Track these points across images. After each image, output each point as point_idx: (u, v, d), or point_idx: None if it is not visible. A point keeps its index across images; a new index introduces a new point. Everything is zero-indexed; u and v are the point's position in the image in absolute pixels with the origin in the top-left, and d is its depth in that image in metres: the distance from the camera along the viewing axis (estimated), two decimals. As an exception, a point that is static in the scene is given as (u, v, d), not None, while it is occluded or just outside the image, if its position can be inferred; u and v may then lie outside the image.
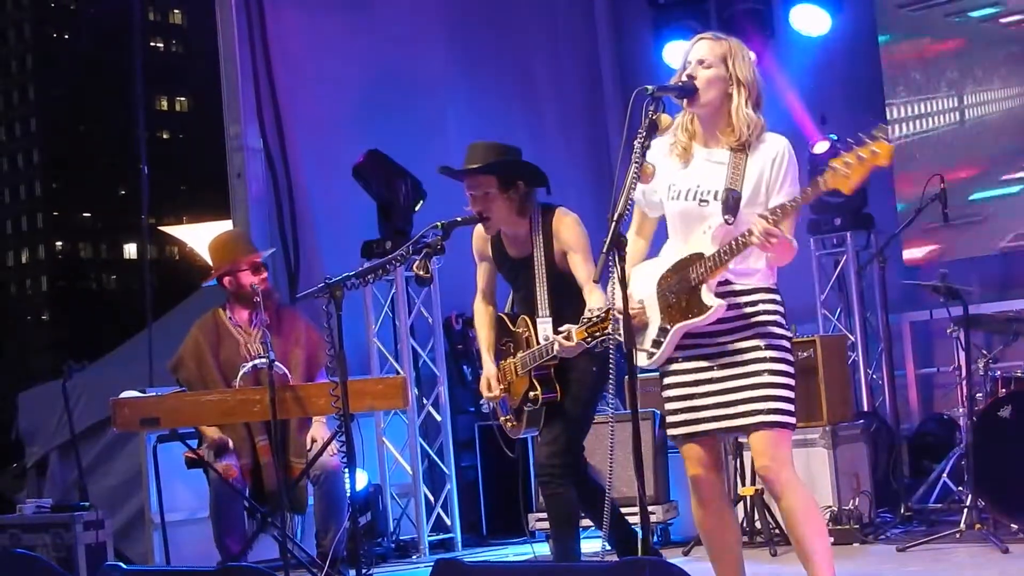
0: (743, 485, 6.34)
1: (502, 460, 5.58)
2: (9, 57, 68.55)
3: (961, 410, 6.45)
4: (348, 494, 4.97)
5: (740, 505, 6.40)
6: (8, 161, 68.81)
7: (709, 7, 8.99)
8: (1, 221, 68.89)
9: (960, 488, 6.39)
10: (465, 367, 8.14)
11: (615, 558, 4.85)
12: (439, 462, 7.80)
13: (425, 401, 7.83)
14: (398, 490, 7.71)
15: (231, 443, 5.74)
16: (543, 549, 6.20)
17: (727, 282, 3.93)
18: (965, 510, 5.89)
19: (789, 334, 4.05)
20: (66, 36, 67.78)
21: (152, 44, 65.26)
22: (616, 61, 9.86)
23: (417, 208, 7.66)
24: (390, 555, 7.37)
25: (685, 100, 3.94)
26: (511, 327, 4.99)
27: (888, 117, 8.40)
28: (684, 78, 3.94)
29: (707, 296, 3.88)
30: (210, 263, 6.13)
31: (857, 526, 6.23)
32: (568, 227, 4.87)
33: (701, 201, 3.93)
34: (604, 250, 3.67)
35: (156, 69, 59.56)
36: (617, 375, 4.08)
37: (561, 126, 9.44)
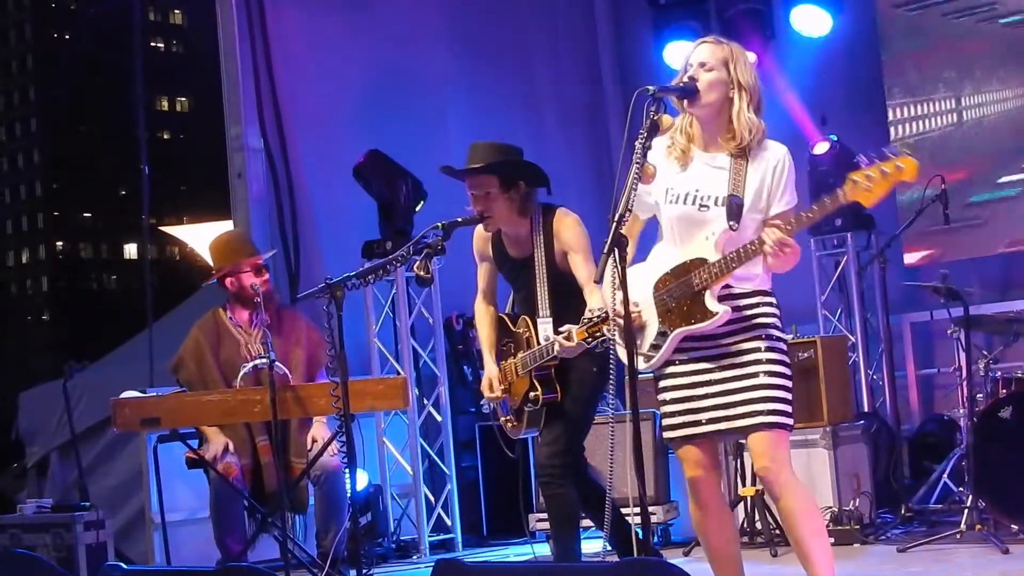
0: (743, 486, 6.34)
1: (503, 460, 5.58)
2: (10, 57, 68.59)
3: (962, 411, 6.45)
4: (348, 494, 4.97)
5: (740, 506, 6.41)
6: (8, 161, 68.84)
7: (709, 8, 8.98)
8: (1, 221, 68.92)
9: (961, 489, 6.39)
10: (466, 367, 8.14)
11: (616, 559, 4.85)
12: (439, 462, 7.80)
13: (426, 401, 7.83)
14: (398, 490, 7.71)
15: (231, 445, 5.74)
16: (543, 549, 6.20)
17: (727, 286, 3.93)
18: (966, 511, 5.89)
19: (786, 337, 4.05)
20: (67, 36, 67.81)
21: (152, 44, 65.29)
22: (616, 61, 9.86)
23: (418, 208, 7.66)
24: (390, 555, 7.37)
25: (685, 101, 3.94)
26: (512, 327, 4.99)
27: (889, 118, 8.39)
28: (685, 80, 3.94)
29: (711, 302, 3.88)
30: (211, 263, 6.13)
31: (858, 527, 6.23)
32: (569, 227, 4.87)
33: (701, 206, 3.93)
34: (605, 251, 3.67)
35: (157, 69, 59.60)
36: (617, 375, 4.08)
37: (562, 126, 9.44)
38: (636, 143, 3.79)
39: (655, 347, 3.97)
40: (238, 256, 5.93)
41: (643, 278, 3.98)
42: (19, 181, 68.52)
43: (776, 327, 3.99)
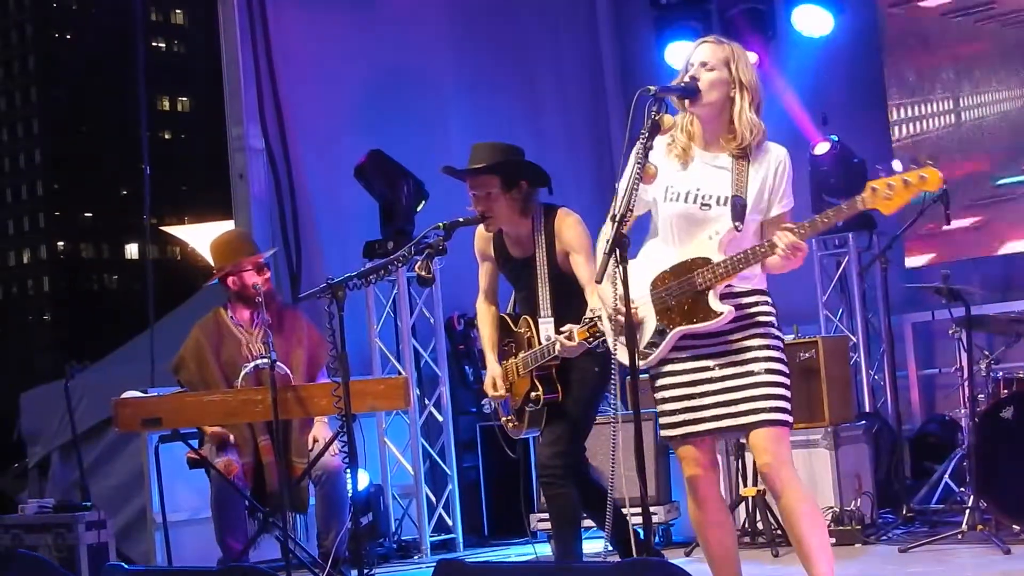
0: (745, 486, 6.34)
1: (504, 460, 5.58)
2: (11, 57, 68.63)
3: (963, 411, 6.45)
4: (349, 494, 4.97)
5: (742, 506, 6.40)
6: (10, 161, 68.89)
7: (711, 8, 8.98)
8: (3, 221, 68.96)
9: (962, 489, 6.39)
10: (467, 367, 8.14)
11: (617, 559, 4.86)
12: (441, 462, 7.80)
13: (427, 401, 7.83)
14: (400, 490, 7.71)
15: (232, 438, 5.75)
16: (545, 549, 6.20)
17: (728, 284, 3.93)
18: (967, 511, 5.89)
19: (783, 336, 4.06)
20: (68, 36, 67.85)
21: (154, 44, 65.33)
22: (618, 61, 9.86)
23: (419, 208, 7.66)
24: (392, 555, 7.37)
25: (687, 101, 3.94)
26: (513, 327, 5.00)
27: (890, 118, 8.39)
28: (687, 80, 3.95)
29: (715, 302, 3.88)
30: (212, 263, 6.12)
31: (859, 527, 6.23)
32: (570, 227, 4.87)
33: (703, 205, 3.93)
34: (606, 251, 3.67)
35: (158, 69, 59.71)
36: (618, 376, 4.08)
37: (563, 126, 9.44)
38: (638, 143, 3.80)
39: (652, 345, 3.97)
40: (239, 255, 5.93)
41: (639, 275, 3.96)
42: (20, 181, 68.57)
43: (775, 325, 4.00)
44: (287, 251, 7.91)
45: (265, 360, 5.44)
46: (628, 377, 3.77)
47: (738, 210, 3.89)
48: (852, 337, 8.09)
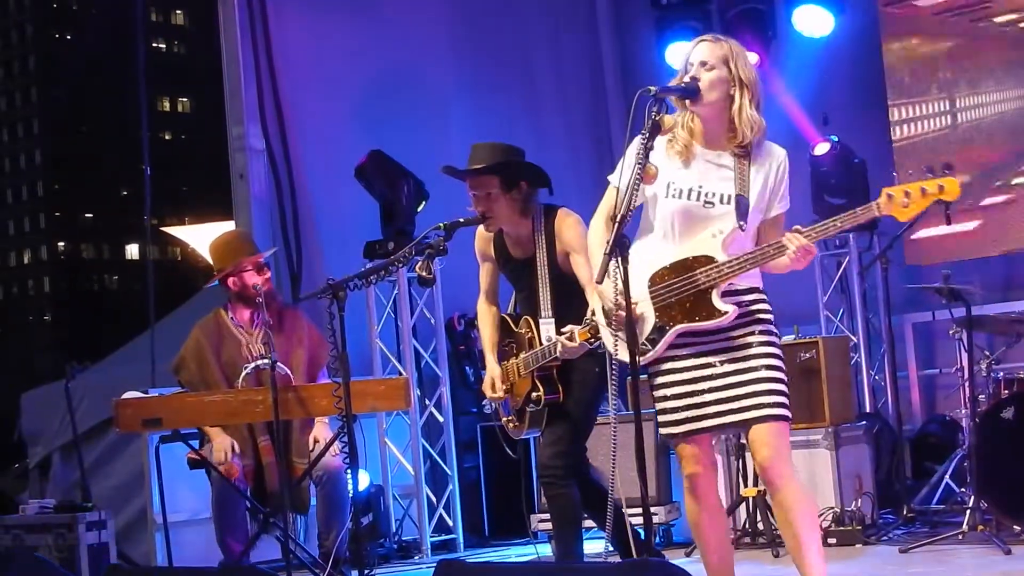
0: (745, 486, 6.34)
1: (504, 461, 5.58)
2: (11, 57, 68.64)
3: (964, 411, 6.45)
4: (350, 495, 4.97)
5: (742, 506, 6.40)
6: (10, 161, 68.90)
7: (711, 8, 8.98)
8: (3, 222, 68.98)
9: (963, 489, 6.39)
10: (467, 368, 8.14)
11: (618, 559, 4.85)
12: (441, 463, 7.80)
13: (427, 402, 7.83)
14: (400, 491, 7.71)
15: (236, 445, 5.74)
16: (545, 550, 6.20)
17: (730, 282, 3.94)
18: (968, 511, 5.89)
19: (778, 334, 4.07)
20: (68, 37, 67.86)
21: (154, 45, 65.34)
22: (618, 61, 9.86)
23: (420, 209, 7.67)
24: (392, 556, 7.37)
25: (688, 101, 3.94)
26: (513, 328, 5.00)
27: (891, 118, 8.39)
28: (687, 80, 3.95)
29: (718, 301, 3.88)
30: (212, 264, 6.12)
31: (860, 527, 6.23)
32: (570, 228, 4.87)
33: (706, 203, 3.93)
34: (606, 251, 3.67)
35: (158, 69, 59.68)
36: (619, 376, 4.08)
37: (563, 126, 9.44)
38: (638, 143, 3.80)
39: (651, 342, 3.96)
40: (239, 255, 5.93)
41: (635, 272, 3.93)
42: (21, 181, 68.59)
43: (772, 322, 4.01)
44: (287, 251, 7.91)
45: (266, 360, 5.44)
46: (628, 376, 3.77)
47: (743, 209, 3.89)
48: (853, 337, 8.09)
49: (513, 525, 7.18)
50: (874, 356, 8.21)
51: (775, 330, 4.01)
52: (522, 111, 9.01)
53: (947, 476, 6.73)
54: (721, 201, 3.92)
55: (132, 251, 67.79)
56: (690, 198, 3.94)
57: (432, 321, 7.83)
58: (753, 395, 3.90)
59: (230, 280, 5.93)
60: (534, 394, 4.82)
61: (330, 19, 8.28)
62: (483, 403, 5.25)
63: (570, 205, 5.00)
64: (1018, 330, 6.42)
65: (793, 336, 6.59)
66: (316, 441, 5.78)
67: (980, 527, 5.79)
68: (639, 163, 3.74)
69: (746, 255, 3.88)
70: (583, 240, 4.82)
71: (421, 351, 7.79)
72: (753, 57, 8.00)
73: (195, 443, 5.80)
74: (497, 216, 4.89)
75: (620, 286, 3.70)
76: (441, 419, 7.80)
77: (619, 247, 3.65)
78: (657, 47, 8.96)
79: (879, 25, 8.51)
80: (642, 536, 4.26)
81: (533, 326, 4.86)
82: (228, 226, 8.56)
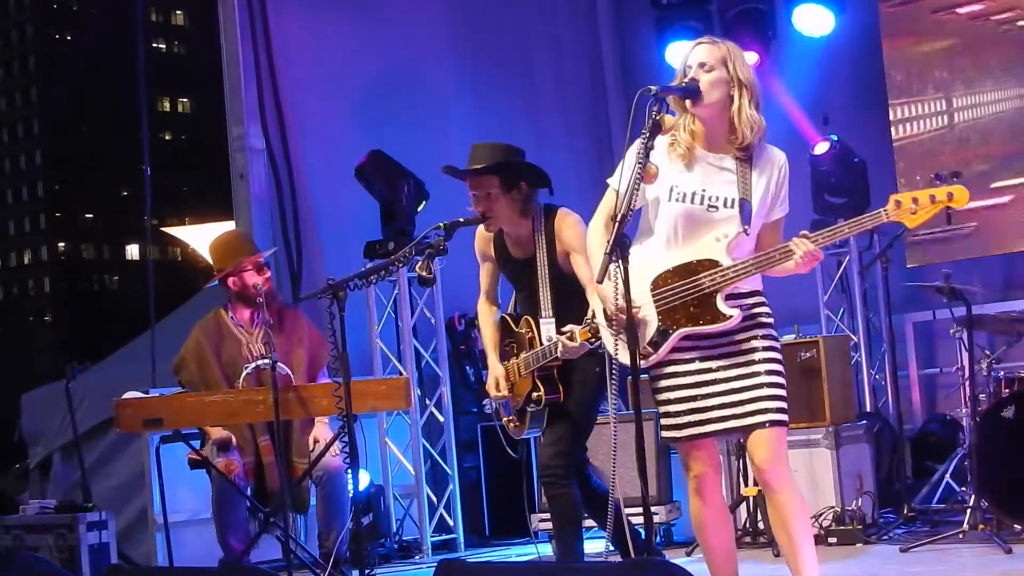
0: (745, 486, 6.34)
1: (505, 461, 5.58)
2: (11, 58, 68.64)
3: (964, 411, 6.45)
4: (350, 495, 4.97)
5: (742, 506, 6.40)
6: (11, 162, 68.89)
7: (711, 8, 8.98)
8: (3, 222, 68.98)
9: (963, 489, 6.39)
10: (468, 368, 8.14)
11: (618, 559, 4.85)
12: (442, 463, 7.80)
13: (428, 402, 7.83)
14: (401, 491, 7.71)
15: (234, 440, 5.75)
16: (546, 549, 6.20)
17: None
18: (968, 511, 5.89)
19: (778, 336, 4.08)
20: (68, 37, 67.86)
21: (154, 45, 65.33)
22: (619, 61, 9.87)
23: (420, 209, 7.66)
24: (393, 556, 7.37)
25: (689, 102, 3.94)
26: (514, 328, 4.99)
27: (891, 117, 8.39)
28: (686, 82, 3.95)
29: (723, 305, 3.88)
30: (212, 264, 6.12)
31: (860, 526, 6.23)
32: (570, 228, 4.87)
33: (710, 207, 3.93)
34: (607, 251, 3.67)
35: (158, 70, 59.68)
36: (620, 376, 4.08)
37: (564, 126, 9.45)
38: (638, 143, 3.80)
39: (653, 345, 3.96)
40: (239, 255, 5.93)
41: (637, 275, 3.93)
42: (21, 182, 68.59)
43: (772, 325, 4.02)
44: (288, 251, 7.91)
45: (266, 360, 5.44)
46: (629, 377, 3.77)
47: (747, 214, 3.90)
48: (853, 337, 8.09)
49: (514, 525, 7.18)
50: (874, 355, 8.21)
51: (775, 333, 4.02)
52: (522, 111, 9.01)
53: (947, 475, 6.73)
54: (725, 205, 3.92)
55: (132, 251, 67.79)
56: (693, 201, 3.94)
57: (432, 321, 7.83)
58: (755, 400, 3.90)
59: (230, 280, 5.93)
60: (535, 394, 4.82)
61: (330, 19, 8.28)
62: (484, 403, 5.25)
63: (570, 205, 5.00)
64: (1018, 329, 6.42)
65: (793, 335, 6.59)
66: (316, 441, 5.79)
67: (981, 526, 5.80)
68: (639, 163, 3.74)
69: (752, 259, 3.88)
70: (583, 240, 4.81)
71: (421, 351, 7.79)
72: (753, 57, 8.04)
73: (196, 443, 5.80)
74: (497, 216, 4.89)
75: (620, 287, 3.69)
76: (441, 419, 7.80)
77: (619, 247, 3.64)
78: (657, 47, 8.96)
79: (879, 24, 8.51)
80: (643, 536, 4.26)
81: (533, 326, 4.86)
82: (228, 226, 8.56)
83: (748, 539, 6.31)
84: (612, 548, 5.03)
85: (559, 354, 4.64)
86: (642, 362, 3.96)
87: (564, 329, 4.58)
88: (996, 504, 5.86)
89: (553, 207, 4.95)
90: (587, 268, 4.73)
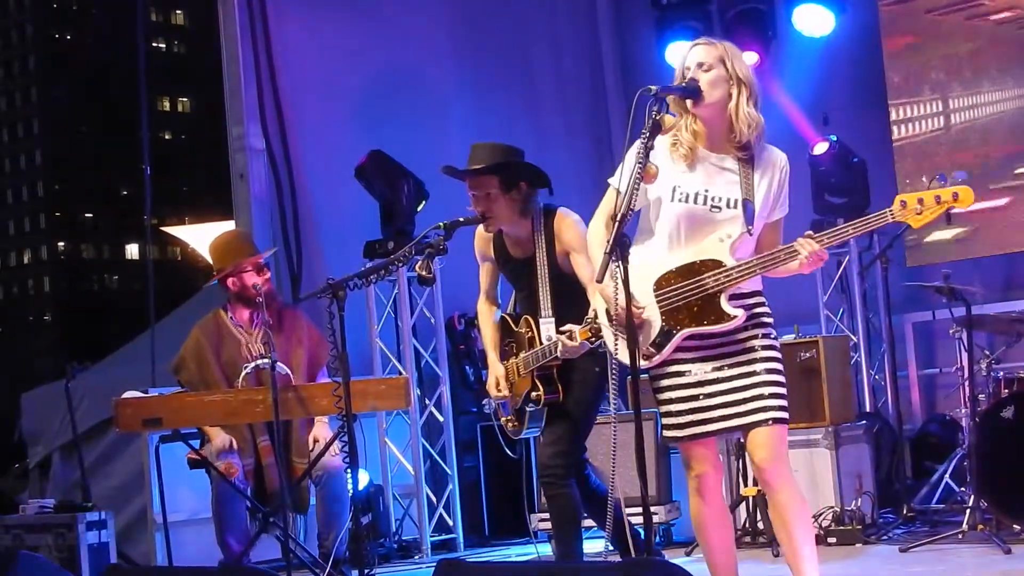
0: (745, 486, 6.34)
1: (504, 460, 5.58)
2: (11, 57, 68.63)
3: (964, 411, 6.45)
4: (350, 494, 4.97)
5: (742, 506, 6.40)
6: (10, 162, 68.89)
7: (711, 8, 8.98)
8: (3, 222, 68.98)
9: (962, 489, 6.39)
10: (467, 367, 8.14)
11: (617, 558, 4.85)
12: (441, 462, 7.80)
13: (427, 401, 7.83)
14: (400, 490, 7.71)
15: (234, 443, 5.74)
16: (546, 549, 6.20)
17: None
18: (967, 511, 5.89)
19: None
20: (68, 37, 67.85)
21: (154, 45, 65.32)
22: (618, 61, 9.87)
23: (420, 208, 7.66)
24: (392, 555, 7.37)
25: (690, 102, 3.94)
26: (514, 327, 5.00)
27: (891, 117, 8.38)
28: (686, 82, 3.95)
29: (727, 305, 3.88)
30: (212, 264, 6.12)
31: (860, 527, 6.23)
32: (570, 228, 4.87)
33: (713, 207, 3.93)
34: (606, 251, 3.67)
35: (158, 69, 59.69)
36: (620, 376, 4.08)
37: (564, 127, 9.44)
38: (638, 143, 3.80)
39: (656, 345, 3.97)
40: (239, 256, 5.93)
41: (640, 275, 3.94)
42: (21, 182, 68.58)
43: (773, 326, 4.03)
44: (287, 251, 7.91)
45: (266, 360, 5.44)
46: (628, 376, 3.77)
47: (750, 214, 3.90)
48: (853, 337, 8.10)
49: (513, 525, 7.18)
50: (874, 356, 8.22)
51: (775, 334, 4.03)
52: (522, 111, 9.01)
53: (947, 475, 6.73)
54: (728, 205, 3.92)
55: (132, 251, 67.78)
56: (696, 202, 3.94)
57: (432, 321, 7.83)
58: (756, 399, 3.91)
59: (230, 280, 5.93)
60: (534, 394, 4.82)
61: (330, 19, 8.28)
62: (484, 402, 5.25)
63: (570, 205, 5.00)
64: (1018, 329, 6.42)
65: (793, 336, 6.59)
66: (316, 441, 5.79)
67: (980, 526, 5.80)
68: (639, 162, 3.74)
69: (757, 259, 3.89)
70: (583, 240, 4.81)
71: (421, 351, 7.79)
72: (752, 57, 8.04)
73: (195, 443, 5.80)
74: (496, 216, 4.89)
75: (620, 287, 3.69)
76: (441, 419, 7.80)
77: (619, 246, 3.64)
78: (657, 47, 8.96)
79: (879, 24, 8.51)
80: (642, 536, 4.26)
81: (533, 326, 4.86)
82: (228, 226, 8.56)
83: (748, 539, 6.31)
84: (611, 548, 5.04)
85: (559, 354, 4.64)
86: (645, 362, 3.97)
87: (563, 328, 4.58)
88: (995, 504, 5.86)
89: (553, 207, 4.95)
90: (587, 267, 4.73)
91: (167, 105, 68.22)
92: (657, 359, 3.96)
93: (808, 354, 6.48)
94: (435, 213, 6.07)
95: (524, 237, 4.95)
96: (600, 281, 3.78)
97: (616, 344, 4.01)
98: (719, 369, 3.94)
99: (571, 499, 4.83)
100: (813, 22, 8.60)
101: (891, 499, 6.81)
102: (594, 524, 5.16)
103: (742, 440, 4.14)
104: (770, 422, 3.89)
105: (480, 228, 5.01)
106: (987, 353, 6.42)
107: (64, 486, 7.87)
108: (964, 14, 8.15)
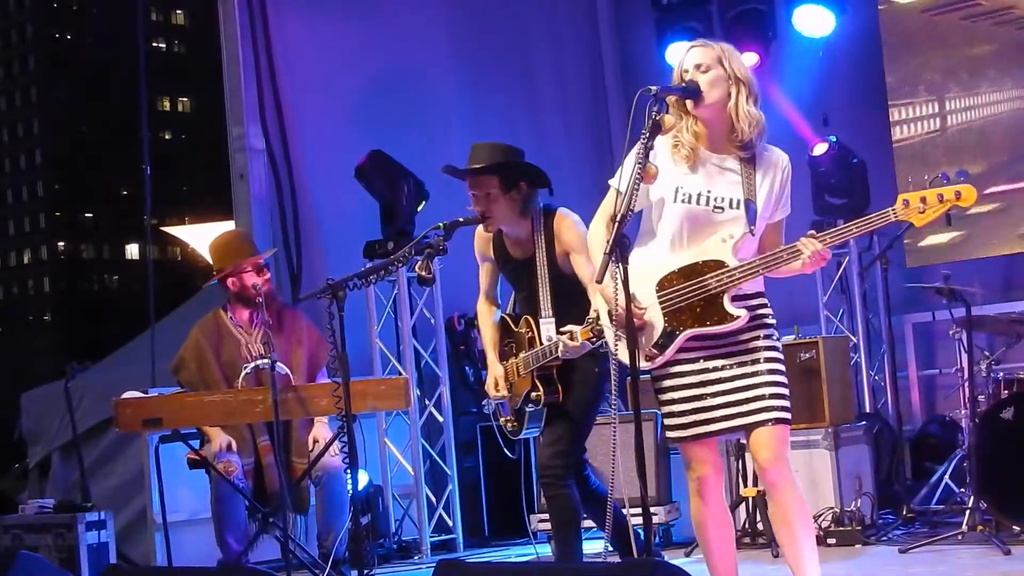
0: (745, 486, 6.34)
1: (504, 461, 5.58)
2: (11, 57, 68.63)
3: (963, 412, 6.45)
4: (350, 495, 4.97)
5: (742, 506, 6.40)
6: (11, 162, 68.89)
7: (711, 9, 8.97)
8: (3, 222, 68.98)
9: (962, 490, 6.39)
10: (467, 368, 8.14)
11: (617, 559, 4.85)
12: (441, 463, 7.80)
13: (427, 402, 7.83)
14: (400, 491, 7.71)
15: (234, 444, 5.74)
16: (545, 550, 6.20)
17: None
18: (967, 512, 5.89)
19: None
20: (68, 37, 67.86)
21: (155, 44, 65.33)
22: (619, 62, 9.87)
23: (420, 209, 7.66)
24: (392, 556, 7.37)
25: (690, 103, 3.94)
26: (513, 328, 4.99)
27: (891, 118, 8.38)
28: (686, 82, 3.95)
29: (729, 305, 3.88)
30: (211, 264, 6.12)
31: (859, 527, 6.23)
32: (569, 228, 4.87)
33: (716, 208, 3.93)
34: (606, 251, 3.67)
35: (158, 69, 59.69)
36: (619, 376, 4.08)
37: (564, 127, 9.44)
38: (638, 143, 3.80)
39: (659, 347, 3.97)
40: (239, 256, 5.93)
41: (642, 276, 3.94)
42: (21, 182, 68.58)
43: (775, 326, 4.03)
44: (287, 251, 7.91)
45: (265, 360, 5.44)
46: (628, 376, 3.77)
47: (752, 215, 3.90)
48: (853, 337, 8.10)
49: (513, 525, 7.17)
50: (874, 356, 8.22)
51: (778, 334, 4.03)
52: (522, 111, 9.01)
53: (947, 476, 6.73)
54: (730, 206, 3.93)
55: (132, 251, 67.79)
56: (699, 203, 3.94)
57: (432, 321, 7.83)
58: (758, 399, 3.91)
59: (229, 281, 5.93)
60: (533, 394, 4.81)
61: (330, 19, 8.28)
62: (483, 403, 5.25)
63: (570, 205, 5.00)
64: (1018, 330, 6.42)
65: (793, 336, 6.59)
66: (316, 441, 5.79)
67: (979, 527, 5.80)
68: (639, 162, 3.74)
69: (759, 259, 3.89)
70: (583, 240, 4.81)
71: (421, 351, 7.79)
72: (752, 58, 8.05)
73: (195, 443, 5.80)
74: (496, 216, 4.88)
75: (620, 287, 3.69)
76: (441, 419, 7.80)
77: (618, 247, 3.64)
78: (657, 47, 8.97)
79: (879, 25, 8.51)
80: (642, 537, 4.26)
81: (533, 326, 4.86)
82: (228, 226, 8.56)
83: (747, 540, 6.31)
84: (611, 548, 5.04)
85: (560, 354, 4.64)
86: (648, 364, 3.97)
87: (564, 329, 4.58)
88: (995, 505, 5.86)
89: (552, 207, 4.95)
90: (587, 267, 4.73)
91: (167, 105, 68.22)
92: (660, 360, 3.96)
93: (808, 355, 6.48)
94: (435, 213, 6.07)
95: (524, 237, 4.95)
96: (600, 282, 3.78)
97: (616, 345, 4.01)
98: (721, 369, 3.94)
99: (571, 500, 4.83)
100: (813, 23, 8.60)
101: (891, 500, 6.81)
102: (594, 525, 5.15)
103: (744, 440, 4.14)
104: (772, 422, 3.89)
105: (480, 228, 5.01)
106: (987, 354, 6.42)
107: (64, 486, 7.87)
108: (960, 14, 8.15)
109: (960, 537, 5.83)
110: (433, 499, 7.70)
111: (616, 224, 3.68)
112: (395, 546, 7.48)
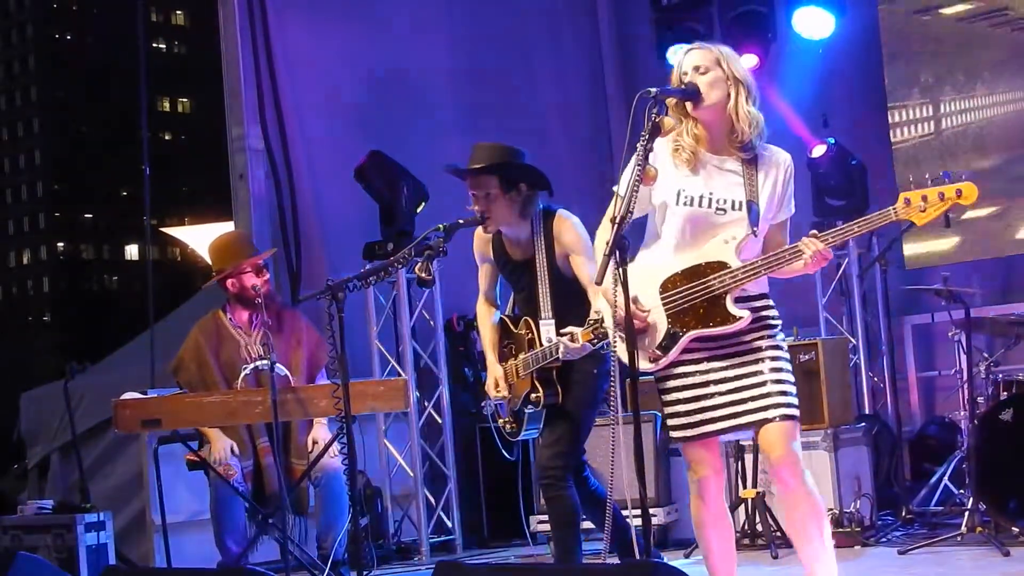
0: (744, 488, 6.34)
1: (503, 462, 5.58)
2: (11, 57, 68.64)
3: (962, 413, 6.46)
4: (349, 496, 4.97)
5: (741, 508, 6.40)
6: (10, 162, 68.89)
7: (712, 11, 8.96)
8: (3, 222, 68.98)
9: (961, 491, 6.39)
10: (466, 369, 8.13)
11: (616, 560, 4.85)
12: (440, 464, 7.80)
13: (426, 403, 7.82)
14: (399, 492, 7.70)
15: (235, 447, 5.74)
16: (545, 551, 6.20)
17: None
18: (966, 513, 5.90)
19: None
20: (68, 37, 67.87)
21: (155, 45, 65.34)
22: (619, 64, 9.87)
23: (419, 210, 7.66)
24: (391, 557, 7.37)
25: (690, 105, 3.94)
26: (513, 329, 5.00)
27: (891, 120, 8.39)
28: (685, 84, 3.95)
29: (732, 306, 3.89)
30: (211, 265, 6.12)
31: (858, 529, 6.23)
32: (569, 229, 4.87)
33: (718, 209, 3.93)
34: (606, 252, 3.67)
35: (158, 70, 59.70)
36: (619, 377, 4.07)
37: (564, 128, 9.44)
38: (638, 145, 3.80)
39: (663, 348, 3.97)
40: (238, 257, 5.93)
41: (646, 278, 3.96)
42: (21, 182, 68.59)
43: (779, 327, 4.04)
44: (287, 252, 7.91)
45: (265, 361, 5.44)
46: (627, 377, 3.77)
47: (755, 215, 3.91)
48: (852, 339, 8.10)
49: (512, 527, 7.16)
50: (873, 358, 8.22)
51: (782, 335, 4.04)
52: (522, 112, 9.01)
53: (946, 478, 6.74)
54: (732, 207, 3.93)
55: (132, 251, 67.80)
56: (701, 205, 3.95)
57: (431, 322, 7.83)
58: (764, 396, 3.92)
59: (229, 281, 5.93)
60: (533, 395, 4.82)
61: (330, 19, 8.28)
62: (482, 404, 5.25)
63: (570, 206, 5.00)
64: (1017, 332, 6.42)
65: (793, 338, 6.59)
66: (315, 442, 5.78)
67: (979, 529, 5.80)
68: (638, 165, 3.74)
69: (761, 260, 3.89)
70: (583, 241, 4.82)
71: (420, 352, 7.78)
72: (752, 60, 8.04)
73: (194, 444, 5.80)
74: (495, 216, 4.88)
75: (620, 289, 3.69)
76: (440, 420, 7.80)
77: (618, 249, 3.65)
78: (657, 49, 8.95)
79: (879, 27, 8.51)
80: (641, 538, 4.26)
81: (533, 327, 4.86)
82: (228, 226, 8.56)
83: (747, 541, 6.31)
84: (610, 550, 5.03)
85: (560, 355, 4.64)
86: (652, 365, 3.98)
87: (565, 330, 4.58)
88: (994, 507, 5.86)
89: (552, 209, 4.95)
90: (587, 269, 4.73)
91: (167, 105, 68.25)
92: (664, 362, 3.97)
93: (807, 356, 6.49)
94: (435, 214, 6.08)
95: (524, 238, 4.95)
96: (599, 283, 3.78)
97: (615, 345, 4.01)
98: (725, 369, 3.95)
99: (570, 501, 4.83)
100: (813, 24, 8.59)
101: (890, 501, 6.81)
102: (593, 526, 5.15)
103: (754, 439, 4.14)
104: (780, 418, 3.90)
105: (479, 229, 5.01)
106: (986, 355, 6.43)
107: (63, 487, 7.87)
108: (954, 16, 8.16)
109: (959, 538, 5.84)
110: (432, 500, 7.70)
111: (615, 226, 3.68)
112: (394, 547, 7.48)
